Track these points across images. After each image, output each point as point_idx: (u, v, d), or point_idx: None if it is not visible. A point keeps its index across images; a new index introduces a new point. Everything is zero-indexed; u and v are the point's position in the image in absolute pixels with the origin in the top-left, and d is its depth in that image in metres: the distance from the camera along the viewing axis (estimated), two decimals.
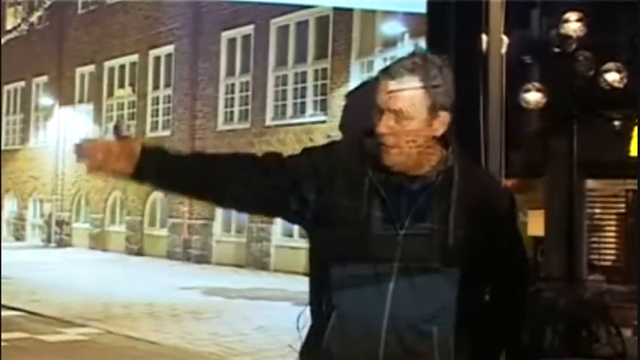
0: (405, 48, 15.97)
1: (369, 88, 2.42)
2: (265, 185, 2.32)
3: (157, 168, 2.32)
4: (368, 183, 2.26)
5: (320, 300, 2.30)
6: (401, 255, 2.21)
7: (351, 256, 2.23)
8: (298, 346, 2.41)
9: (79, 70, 26.98)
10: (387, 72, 2.26)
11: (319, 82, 18.94)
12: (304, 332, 2.38)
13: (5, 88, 29.63)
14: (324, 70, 18.76)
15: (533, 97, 7.70)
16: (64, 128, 27.02)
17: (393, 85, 2.23)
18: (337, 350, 2.25)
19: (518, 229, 2.45)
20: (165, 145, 2.46)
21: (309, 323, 2.37)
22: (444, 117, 2.25)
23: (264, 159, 2.37)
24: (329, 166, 2.30)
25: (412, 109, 2.22)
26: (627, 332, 7.71)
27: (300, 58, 19.47)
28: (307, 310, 2.38)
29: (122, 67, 25.27)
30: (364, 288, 2.23)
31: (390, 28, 16.37)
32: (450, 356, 2.25)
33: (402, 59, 2.28)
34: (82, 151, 2.28)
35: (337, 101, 18.08)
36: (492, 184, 2.49)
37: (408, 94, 2.22)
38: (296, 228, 19.20)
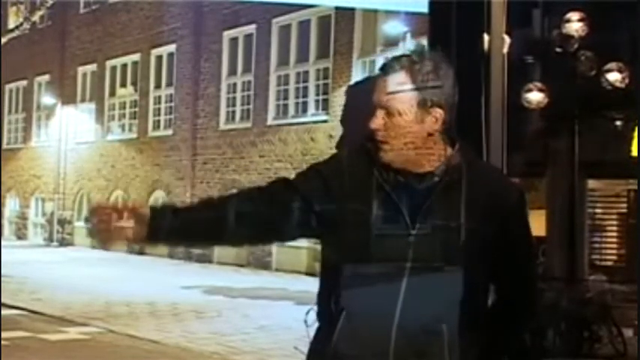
0: (406, 48, 15.98)
1: (367, 84, 2.45)
2: (279, 213, 2.32)
3: (169, 224, 2.28)
4: (376, 185, 2.26)
5: (329, 301, 2.29)
6: (413, 254, 2.22)
7: (363, 258, 2.23)
8: (302, 346, 2.41)
9: (81, 69, 26.99)
10: (382, 68, 2.30)
11: (321, 82, 18.94)
12: (312, 330, 2.38)
13: (7, 87, 29.64)
14: (326, 69, 18.76)
15: (535, 96, 7.69)
16: (66, 127, 27.04)
17: (384, 81, 2.27)
18: (347, 350, 2.25)
19: (528, 224, 2.44)
20: (170, 202, 2.42)
21: (316, 323, 2.37)
22: (438, 114, 2.25)
23: (271, 187, 2.37)
24: (336, 176, 2.31)
25: (400, 105, 2.24)
26: (629, 332, 7.71)
27: (302, 57, 19.47)
28: (314, 309, 2.38)
29: (124, 66, 25.26)
30: (375, 288, 2.23)
31: (392, 27, 16.37)
32: (459, 354, 2.24)
33: (400, 56, 2.31)
34: (93, 225, 2.25)
35: (339, 101, 18.07)
36: (501, 180, 2.49)
37: (396, 90, 2.24)
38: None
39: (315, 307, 2.38)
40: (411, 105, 2.24)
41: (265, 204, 2.33)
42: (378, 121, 2.25)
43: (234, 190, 2.51)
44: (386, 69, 2.28)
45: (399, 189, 2.25)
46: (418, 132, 2.25)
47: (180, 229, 2.31)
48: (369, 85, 2.36)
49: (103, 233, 2.26)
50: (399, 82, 2.25)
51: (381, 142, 2.25)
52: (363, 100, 2.35)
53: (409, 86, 2.24)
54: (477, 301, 2.29)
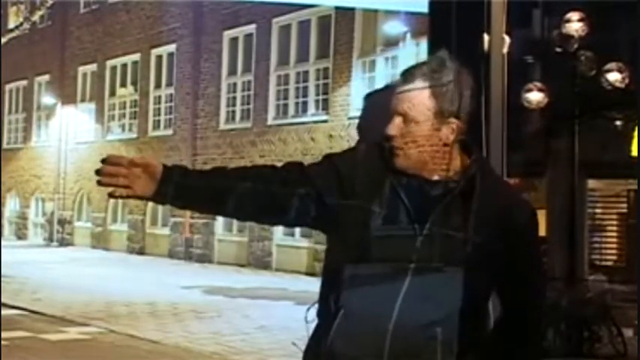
0: (406, 48, 15.99)
1: (387, 91, 2.45)
2: (287, 195, 2.32)
3: (179, 185, 2.28)
4: (389, 187, 2.27)
5: (328, 299, 2.31)
6: (417, 258, 2.22)
7: (367, 258, 2.24)
8: (302, 343, 2.42)
9: (81, 69, 26.99)
10: (403, 74, 2.31)
11: (321, 82, 18.93)
12: (311, 326, 2.38)
13: (7, 86, 29.64)
14: (326, 69, 18.75)
15: (535, 96, 7.70)
16: (66, 127, 27.05)
17: (402, 88, 2.28)
18: (341, 349, 2.26)
19: (537, 244, 2.44)
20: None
21: (316, 321, 2.38)
22: (455, 124, 2.26)
23: (284, 169, 2.38)
24: (351, 171, 2.32)
25: (416, 112, 2.25)
26: (629, 332, 7.72)
27: (302, 57, 19.46)
28: (315, 307, 2.39)
29: (124, 66, 25.26)
30: (375, 289, 2.24)
31: (392, 27, 16.36)
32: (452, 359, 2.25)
33: (422, 63, 2.33)
34: (104, 174, 2.24)
35: (339, 101, 18.09)
36: (514, 197, 2.46)
37: (413, 97, 2.25)
38: (297, 227, 19.13)
39: (317, 305, 2.38)
40: (429, 114, 2.25)
41: (275, 183, 2.32)
42: (394, 127, 2.26)
43: (248, 164, 2.51)
44: (406, 76, 2.29)
45: (410, 192, 2.26)
46: (434, 141, 2.26)
47: (189, 191, 2.31)
48: (388, 92, 2.36)
49: (111, 183, 2.24)
50: (415, 90, 2.25)
51: (396, 149, 2.26)
52: (381, 108, 2.34)
53: (428, 95, 2.25)
54: (476, 309, 2.30)
